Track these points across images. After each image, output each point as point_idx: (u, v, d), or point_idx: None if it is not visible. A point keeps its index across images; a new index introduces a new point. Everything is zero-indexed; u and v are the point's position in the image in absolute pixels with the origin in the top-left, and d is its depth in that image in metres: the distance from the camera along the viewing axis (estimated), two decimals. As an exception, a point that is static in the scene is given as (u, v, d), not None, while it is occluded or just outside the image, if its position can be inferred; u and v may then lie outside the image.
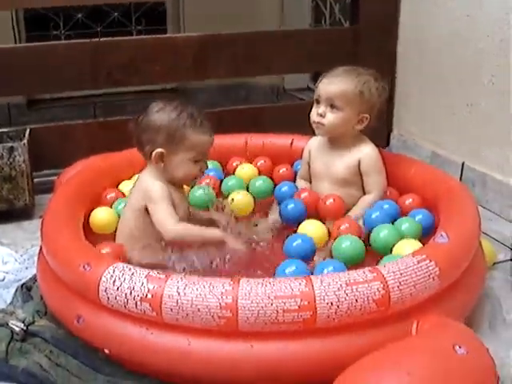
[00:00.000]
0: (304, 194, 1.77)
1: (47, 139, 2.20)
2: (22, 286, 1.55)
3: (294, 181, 1.92)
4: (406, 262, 1.24)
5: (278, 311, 1.13)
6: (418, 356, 1.05)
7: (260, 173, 2.02)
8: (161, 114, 1.45)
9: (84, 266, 1.26)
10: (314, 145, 1.84)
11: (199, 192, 1.75)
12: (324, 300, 1.15)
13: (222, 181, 1.96)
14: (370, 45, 2.42)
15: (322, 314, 1.14)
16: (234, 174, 2.02)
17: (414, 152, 2.40)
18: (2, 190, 1.96)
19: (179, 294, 1.15)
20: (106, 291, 1.21)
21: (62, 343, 1.32)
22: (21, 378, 1.26)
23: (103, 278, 1.21)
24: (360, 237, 1.53)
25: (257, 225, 1.70)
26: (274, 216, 1.75)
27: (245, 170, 2.01)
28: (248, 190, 1.91)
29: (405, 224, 1.57)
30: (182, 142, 1.45)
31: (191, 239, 1.47)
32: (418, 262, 1.23)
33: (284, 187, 1.87)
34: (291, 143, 2.06)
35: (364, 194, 1.75)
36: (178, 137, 1.44)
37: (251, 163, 2.05)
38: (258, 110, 2.48)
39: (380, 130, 2.50)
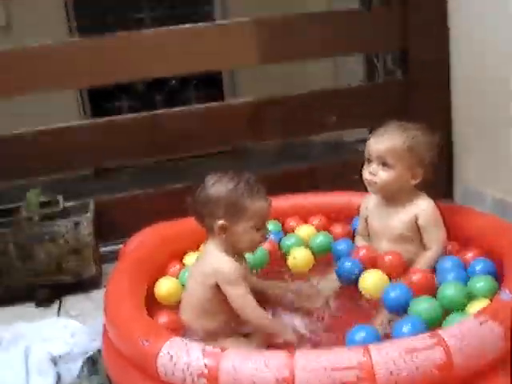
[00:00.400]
0: (362, 252, 1.75)
1: (112, 209, 2.29)
2: (88, 358, 1.59)
3: (353, 239, 1.90)
4: (468, 323, 1.19)
5: (335, 383, 1.11)
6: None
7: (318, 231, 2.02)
8: (218, 187, 1.46)
9: (143, 341, 1.28)
10: (370, 201, 1.82)
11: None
12: (382, 370, 1.11)
13: (280, 239, 1.97)
14: (423, 95, 2.41)
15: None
16: (293, 232, 2.02)
17: (477, 201, 2.33)
18: (69, 263, 2.04)
19: (235, 368, 1.15)
20: (163, 367, 1.22)
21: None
22: None
23: (161, 353, 1.23)
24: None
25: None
26: (332, 275, 1.74)
27: (303, 229, 2.01)
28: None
29: (479, 283, 1.51)
30: (243, 212, 1.45)
31: (262, 328, 1.47)
32: (481, 324, 1.19)
33: (342, 245, 1.85)
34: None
35: (424, 250, 1.71)
36: (238, 208, 1.45)
37: (307, 222, 2.06)
38: (313, 167, 2.49)
39: (441, 183, 2.47)
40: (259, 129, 2.37)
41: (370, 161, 1.72)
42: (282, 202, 2.05)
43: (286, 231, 2.05)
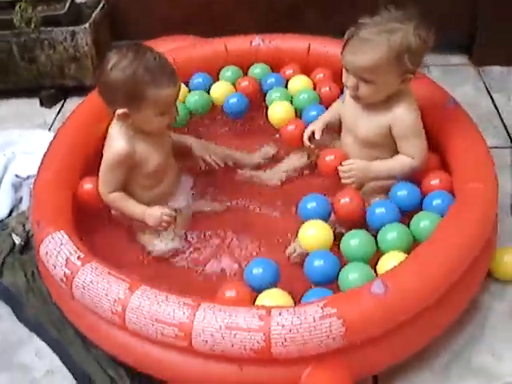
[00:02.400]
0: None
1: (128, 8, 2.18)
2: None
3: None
4: (307, 314, 1.13)
5: (157, 332, 1.17)
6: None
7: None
8: (116, 72, 1.34)
9: (37, 223, 1.39)
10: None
11: (195, 98, 1.74)
12: (200, 337, 1.14)
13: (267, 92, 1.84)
14: None
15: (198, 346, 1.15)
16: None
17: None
18: (70, 70, 2.06)
19: (88, 283, 1.25)
20: (43, 256, 1.36)
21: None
22: (1, 295, 1.51)
23: (42, 245, 1.35)
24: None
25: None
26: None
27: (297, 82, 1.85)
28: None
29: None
30: (143, 101, 1.36)
31: (119, 210, 1.50)
32: (321, 318, 1.12)
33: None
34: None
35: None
36: (138, 96, 1.36)
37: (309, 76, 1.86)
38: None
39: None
40: None
41: (347, 69, 1.43)
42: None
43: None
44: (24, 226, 1.64)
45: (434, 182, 1.46)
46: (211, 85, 1.86)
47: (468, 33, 2.14)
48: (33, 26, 1.95)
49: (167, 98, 1.39)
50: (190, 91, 1.84)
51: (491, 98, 2.00)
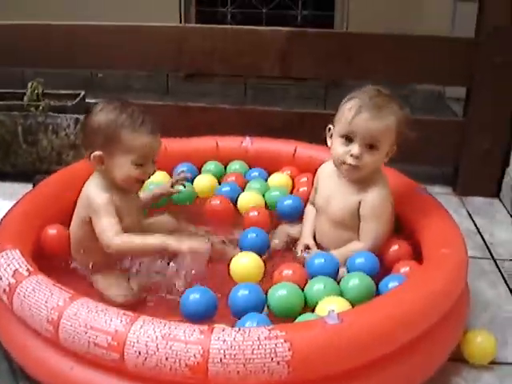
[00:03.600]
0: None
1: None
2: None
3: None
4: (253, 332, 1.05)
5: (89, 342, 1.08)
6: None
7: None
8: (100, 115, 1.40)
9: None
10: (323, 172, 1.62)
11: (180, 188, 1.71)
12: (133, 347, 1.05)
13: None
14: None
15: (130, 360, 1.05)
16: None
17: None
18: (68, 156, 2.15)
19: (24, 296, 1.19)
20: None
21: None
22: None
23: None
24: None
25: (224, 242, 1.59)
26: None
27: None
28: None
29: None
30: (119, 144, 1.38)
31: (134, 251, 1.41)
32: (266, 339, 1.04)
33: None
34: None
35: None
36: (115, 139, 1.37)
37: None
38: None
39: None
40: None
41: (350, 140, 1.45)
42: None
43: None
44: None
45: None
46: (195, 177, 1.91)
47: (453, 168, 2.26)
48: (41, 108, 2.08)
49: (142, 146, 1.40)
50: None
51: (472, 220, 2.03)
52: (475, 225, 1.99)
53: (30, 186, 2.18)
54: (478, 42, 2.03)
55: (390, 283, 1.33)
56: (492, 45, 1.98)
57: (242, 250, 1.50)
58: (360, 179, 1.49)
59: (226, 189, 1.83)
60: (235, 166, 1.98)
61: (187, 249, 1.35)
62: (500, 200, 2.17)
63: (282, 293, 1.28)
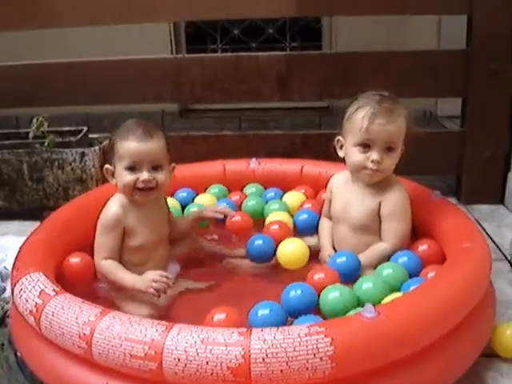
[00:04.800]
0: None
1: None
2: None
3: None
4: (292, 329, 1.04)
5: (125, 354, 1.06)
6: None
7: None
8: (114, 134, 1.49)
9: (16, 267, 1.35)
10: (336, 182, 1.64)
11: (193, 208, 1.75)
12: (172, 354, 1.03)
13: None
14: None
15: (169, 368, 1.03)
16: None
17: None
18: (75, 191, 2.15)
19: (53, 315, 1.17)
20: (16, 296, 1.27)
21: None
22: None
23: (18, 283, 1.29)
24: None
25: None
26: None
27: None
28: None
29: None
30: (116, 154, 1.46)
31: (110, 279, 1.46)
32: (306, 335, 1.03)
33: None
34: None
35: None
36: (113, 150, 1.47)
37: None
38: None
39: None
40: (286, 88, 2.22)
41: (367, 146, 1.48)
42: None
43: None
44: (2, 307, 1.58)
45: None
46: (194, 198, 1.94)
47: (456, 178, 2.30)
48: (46, 144, 2.09)
49: (130, 151, 1.43)
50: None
51: (480, 225, 2.04)
52: (484, 230, 2.00)
53: (38, 224, 2.18)
54: (470, 52, 2.09)
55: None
56: (485, 53, 2.05)
57: (249, 257, 1.59)
58: (377, 182, 1.52)
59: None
60: (251, 189, 2.00)
61: (144, 288, 1.38)
62: (505, 206, 2.20)
63: (334, 295, 1.28)
